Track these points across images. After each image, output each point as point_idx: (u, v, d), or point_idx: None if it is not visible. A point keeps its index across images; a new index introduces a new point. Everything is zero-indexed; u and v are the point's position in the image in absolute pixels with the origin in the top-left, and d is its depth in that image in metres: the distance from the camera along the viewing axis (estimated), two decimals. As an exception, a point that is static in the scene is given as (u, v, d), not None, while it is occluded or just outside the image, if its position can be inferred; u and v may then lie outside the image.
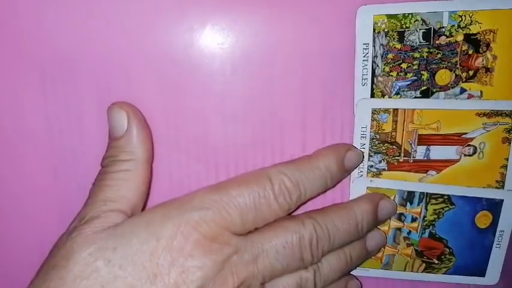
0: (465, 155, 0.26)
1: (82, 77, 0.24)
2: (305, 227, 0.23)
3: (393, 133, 0.25)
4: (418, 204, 0.26)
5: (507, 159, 0.26)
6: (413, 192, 0.26)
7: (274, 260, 0.22)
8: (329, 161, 0.24)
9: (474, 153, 0.26)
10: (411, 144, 0.26)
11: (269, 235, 0.23)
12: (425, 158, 0.26)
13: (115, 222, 0.21)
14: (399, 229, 0.27)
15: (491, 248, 0.27)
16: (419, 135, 0.25)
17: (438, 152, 0.26)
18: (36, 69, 0.24)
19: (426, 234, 0.27)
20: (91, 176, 0.23)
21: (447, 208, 0.26)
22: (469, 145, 0.26)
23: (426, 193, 0.26)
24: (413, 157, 0.26)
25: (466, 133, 0.25)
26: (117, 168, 0.22)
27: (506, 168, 0.26)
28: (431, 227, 0.27)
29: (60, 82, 0.24)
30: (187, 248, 0.20)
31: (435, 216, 0.27)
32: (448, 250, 0.27)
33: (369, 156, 0.26)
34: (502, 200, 0.26)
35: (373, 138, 0.26)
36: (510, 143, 0.25)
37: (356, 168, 0.26)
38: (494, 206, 0.26)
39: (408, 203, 0.26)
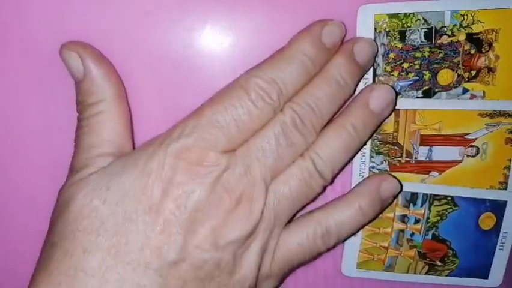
0: (467, 155, 0.25)
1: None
2: (284, 113, 0.22)
3: (395, 134, 0.25)
4: (421, 206, 0.26)
5: (510, 160, 0.25)
6: (416, 193, 0.26)
7: (265, 159, 0.22)
8: (302, 44, 0.22)
9: (477, 154, 0.25)
10: (413, 145, 0.25)
11: (253, 139, 0.22)
12: (427, 159, 0.26)
13: (103, 165, 0.22)
14: (402, 231, 0.27)
15: (495, 249, 0.27)
16: (421, 135, 0.25)
17: (440, 153, 0.25)
18: (36, 69, 0.24)
19: (430, 236, 0.27)
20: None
21: (450, 209, 0.26)
22: (471, 146, 0.25)
23: (430, 194, 0.26)
24: (415, 158, 0.26)
25: (468, 134, 0.25)
26: (90, 113, 0.22)
27: (510, 169, 0.25)
28: (434, 228, 0.26)
29: (60, 81, 0.24)
30: (176, 178, 0.21)
31: (439, 217, 0.26)
32: (451, 252, 0.27)
33: (371, 157, 0.26)
34: (506, 202, 0.26)
35: (374, 139, 0.25)
36: (513, 144, 0.25)
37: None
38: (498, 208, 0.26)
39: (411, 204, 0.26)
